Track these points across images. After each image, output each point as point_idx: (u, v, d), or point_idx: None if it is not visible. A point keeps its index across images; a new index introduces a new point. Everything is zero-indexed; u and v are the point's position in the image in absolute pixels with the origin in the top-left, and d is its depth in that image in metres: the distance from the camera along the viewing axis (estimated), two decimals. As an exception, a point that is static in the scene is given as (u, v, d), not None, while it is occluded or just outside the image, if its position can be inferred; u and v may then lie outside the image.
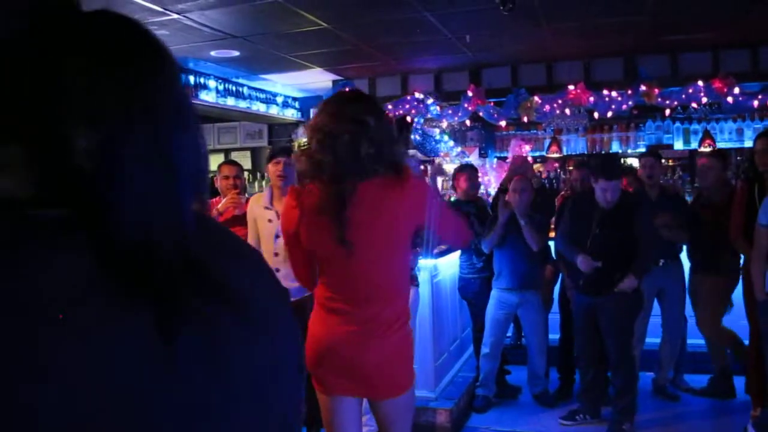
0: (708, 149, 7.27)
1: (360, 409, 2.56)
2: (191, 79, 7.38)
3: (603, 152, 8.38)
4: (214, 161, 5.96)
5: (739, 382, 4.74)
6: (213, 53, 6.63)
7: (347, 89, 4.62)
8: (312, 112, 8.63)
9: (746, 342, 4.55)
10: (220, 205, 4.48)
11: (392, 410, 2.44)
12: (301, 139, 9.48)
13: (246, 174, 9.94)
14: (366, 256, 2.26)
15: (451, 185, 5.84)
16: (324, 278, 2.39)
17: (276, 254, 3.99)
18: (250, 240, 4.20)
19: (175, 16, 5.25)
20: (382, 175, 2.24)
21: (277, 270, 4.02)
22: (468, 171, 5.25)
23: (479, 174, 5.61)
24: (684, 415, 4.71)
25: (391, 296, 2.36)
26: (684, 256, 5.00)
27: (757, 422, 3.90)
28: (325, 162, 2.20)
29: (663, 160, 6.02)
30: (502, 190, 4.22)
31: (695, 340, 5.05)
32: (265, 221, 4.09)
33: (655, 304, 4.96)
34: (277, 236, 4.00)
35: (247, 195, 7.47)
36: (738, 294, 4.60)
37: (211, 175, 8.72)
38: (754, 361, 4.34)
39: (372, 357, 2.33)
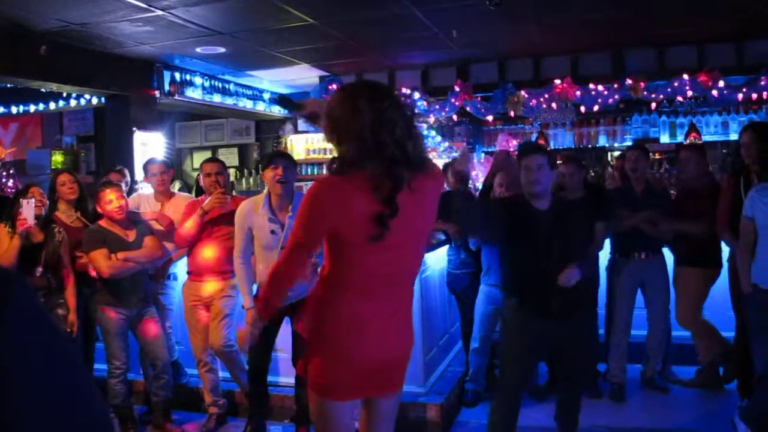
0: (695, 142, 7.32)
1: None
2: (177, 76, 7.35)
3: (590, 146, 8.41)
4: (201, 159, 5.92)
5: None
6: (199, 50, 6.60)
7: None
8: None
9: (727, 333, 4.61)
10: (205, 204, 4.44)
11: (393, 405, 2.45)
12: (287, 136, 9.46)
13: (234, 171, 9.94)
14: (403, 245, 2.22)
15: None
16: (347, 271, 2.23)
17: None
18: (237, 246, 4.12)
19: (160, 12, 5.22)
20: (421, 166, 2.22)
21: None
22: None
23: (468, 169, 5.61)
24: (672, 407, 4.74)
25: (410, 288, 2.39)
26: (667, 249, 5.03)
27: (743, 412, 3.93)
28: (388, 144, 2.11)
29: (650, 154, 6.03)
30: (487, 186, 4.18)
31: (682, 332, 5.08)
32: (266, 232, 4.01)
33: (640, 297, 4.99)
34: (282, 248, 3.96)
35: (234, 192, 7.47)
36: (724, 286, 4.64)
37: (195, 173, 8.71)
38: (740, 352, 4.37)
39: (398, 348, 2.34)
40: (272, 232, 3.98)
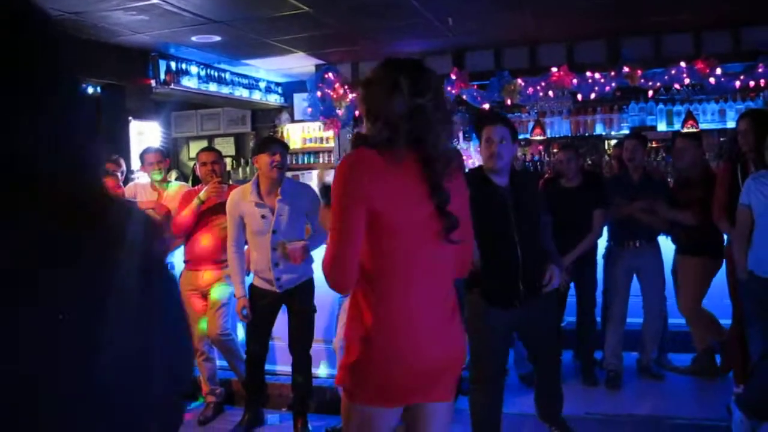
0: (691, 130, 7.31)
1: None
2: (172, 65, 7.31)
3: (587, 134, 8.40)
4: (197, 148, 5.91)
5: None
6: (194, 38, 6.56)
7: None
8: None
9: (724, 321, 4.62)
10: (201, 194, 4.44)
11: (440, 419, 2.18)
12: (284, 125, 9.44)
13: (230, 160, 9.92)
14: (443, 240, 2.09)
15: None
16: (382, 263, 2.05)
17: (274, 249, 3.99)
18: (230, 234, 4.13)
19: (155, 0, 5.19)
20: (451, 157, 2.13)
21: (276, 264, 4.02)
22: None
23: (464, 157, 5.60)
24: (668, 394, 4.76)
25: (451, 282, 2.20)
26: (661, 238, 5.03)
27: (739, 398, 3.94)
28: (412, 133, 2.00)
29: (648, 143, 6.01)
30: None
31: (678, 319, 5.09)
32: (257, 218, 4.03)
33: (636, 285, 5.00)
34: (273, 231, 3.98)
35: (231, 181, 7.46)
36: (721, 273, 4.65)
37: (192, 163, 8.68)
38: (736, 339, 4.39)
39: (446, 350, 2.12)
40: (263, 216, 4.01)
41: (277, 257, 4.00)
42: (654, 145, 8.14)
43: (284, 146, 4.23)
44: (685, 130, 7.53)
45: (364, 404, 2.09)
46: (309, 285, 4.17)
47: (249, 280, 4.23)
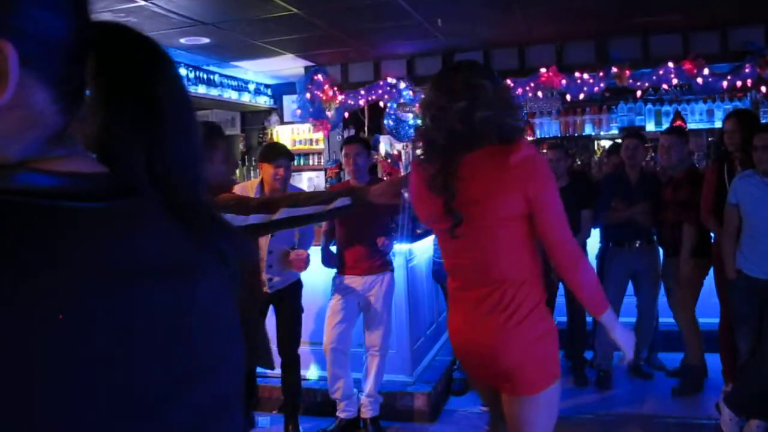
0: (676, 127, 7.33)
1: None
2: (161, 67, 7.29)
3: (576, 135, 8.43)
4: (186, 150, 5.88)
5: (710, 359, 4.80)
6: (182, 40, 6.54)
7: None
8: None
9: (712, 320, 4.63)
10: None
11: (514, 410, 2.21)
12: (273, 127, 9.42)
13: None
14: (473, 232, 2.14)
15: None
16: (445, 261, 2.35)
17: (270, 252, 4.01)
18: None
19: (143, 2, 5.16)
20: (494, 144, 2.12)
21: (270, 266, 4.03)
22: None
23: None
24: (659, 393, 4.78)
25: (499, 278, 2.15)
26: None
27: (728, 397, 3.97)
28: (438, 136, 2.15)
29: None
30: None
31: (668, 318, 5.11)
32: (257, 219, 4.04)
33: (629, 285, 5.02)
34: (272, 235, 4.00)
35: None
36: (709, 273, 4.66)
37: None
38: (724, 338, 4.40)
39: (490, 345, 2.16)
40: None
41: (273, 259, 4.02)
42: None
43: (290, 158, 4.21)
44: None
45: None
46: (297, 285, 4.20)
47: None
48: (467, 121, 2.08)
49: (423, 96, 2.31)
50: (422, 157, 2.26)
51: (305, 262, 4.02)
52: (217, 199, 2.89)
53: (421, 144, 2.29)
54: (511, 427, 2.25)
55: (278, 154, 4.14)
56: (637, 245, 4.90)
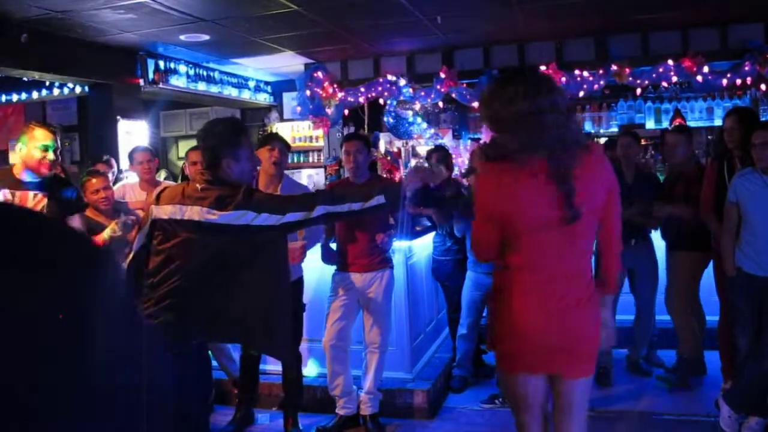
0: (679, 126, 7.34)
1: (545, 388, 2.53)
2: (161, 64, 7.29)
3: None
4: (186, 147, 5.89)
5: (709, 357, 4.80)
6: (182, 37, 6.54)
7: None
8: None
9: (711, 317, 4.62)
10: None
11: (574, 393, 2.45)
12: (273, 124, 9.42)
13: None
14: (578, 227, 2.29)
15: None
16: (516, 256, 2.35)
17: None
18: None
19: (143, -1, 5.17)
20: (582, 148, 2.29)
21: None
22: (440, 152, 5.25)
23: (453, 155, 5.61)
24: (658, 390, 4.78)
25: (586, 268, 2.43)
26: (655, 236, 5.04)
27: (727, 394, 3.97)
28: (538, 138, 2.21)
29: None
30: (471, 170, 4.19)
31: (666, 316, 5.11)
32: None
33: (626, 282, 5.02)
34: None
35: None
36: (709, 270, 4.66)
37: (181, 162, 8.65)
38: (723, 335, 4.40)
39: (578, 332, 2.34)
40: None
41: None
42: (643, 142, 8.17)
43: (284, 143, 4.23)
44: (673, 126, 7.56)
45: (498, 368, 2.64)
46: (299, 283, 4.18)
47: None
48: (567, 124, 2.27)
49: (504, 97, 2.25)
50: (511, 158, 2.25)
51: (301, 253, 3.99)
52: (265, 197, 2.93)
53: (499, 146, 2.30)
54: (568, 411, 2.46)
55: (272, 138, 4.25)
56: (633, 243, 4.90)
